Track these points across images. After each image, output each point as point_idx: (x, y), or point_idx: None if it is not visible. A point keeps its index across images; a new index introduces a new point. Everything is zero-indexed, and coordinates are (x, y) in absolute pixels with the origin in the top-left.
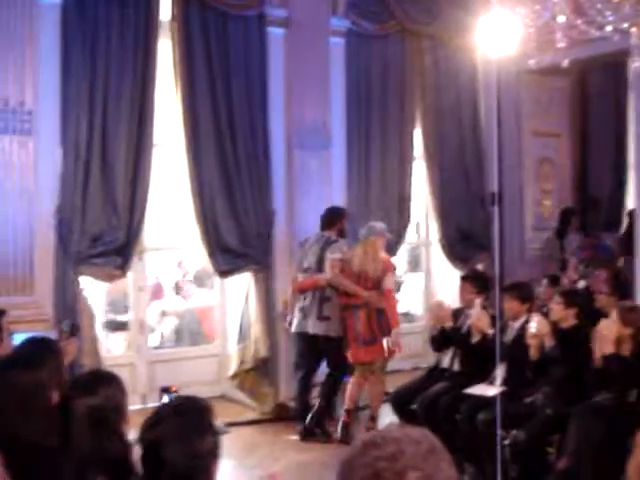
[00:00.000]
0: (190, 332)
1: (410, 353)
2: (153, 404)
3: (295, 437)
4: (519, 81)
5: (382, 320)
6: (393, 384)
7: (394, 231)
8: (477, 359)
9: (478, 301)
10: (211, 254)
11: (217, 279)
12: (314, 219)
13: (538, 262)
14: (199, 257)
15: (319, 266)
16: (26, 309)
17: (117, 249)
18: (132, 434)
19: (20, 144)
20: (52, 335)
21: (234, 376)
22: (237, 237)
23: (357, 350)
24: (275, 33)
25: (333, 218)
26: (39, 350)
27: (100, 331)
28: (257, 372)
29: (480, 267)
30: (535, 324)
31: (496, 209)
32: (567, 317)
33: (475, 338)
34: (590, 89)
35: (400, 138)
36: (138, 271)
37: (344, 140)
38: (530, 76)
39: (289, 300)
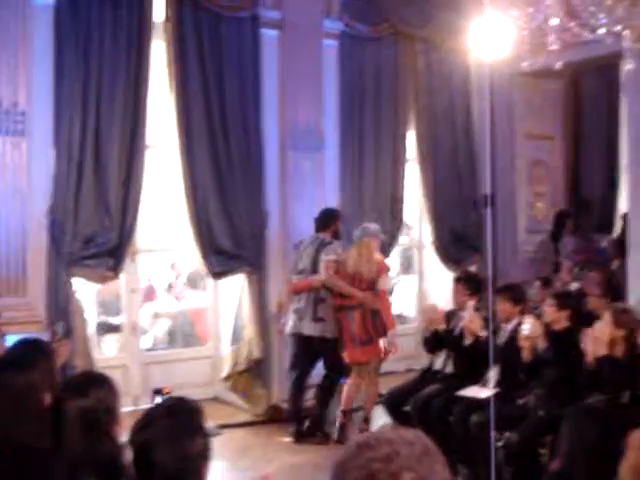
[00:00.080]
0: (183, 334)
1: (403, 355)
2: (146, 406)
3: (288, 439)
4: (512, 83)
5: (377, 321)
6: (386, 386)
7: (387, 233)
8: (470, 361)
9: (471, 303)
10: (204, 255)
11: (210, 281)
12: (307, 220)
13: (531, 264)
14: (192, 259)
15: (314, 268)
16: (18, 310)
17: (110, 250)
18: (124, 436)
19: (13, 145)
20: (45, 337)
21: (227, 378)
22: (230, 238)
23: (353, 351)
24: (269, 35)
25: (327, 220)
26: (31, 352)
27: (93, 333)
28: (250, 374)
29: (473, 269)
30: (528, 326)
31: (489, 211)
32: (560, 319)
33: (468, 340)
34: (583, 92)
35: (393, 140)
36: (131, 273)
37: (337, 142)
38: (523, 78)
39: (284, 302)
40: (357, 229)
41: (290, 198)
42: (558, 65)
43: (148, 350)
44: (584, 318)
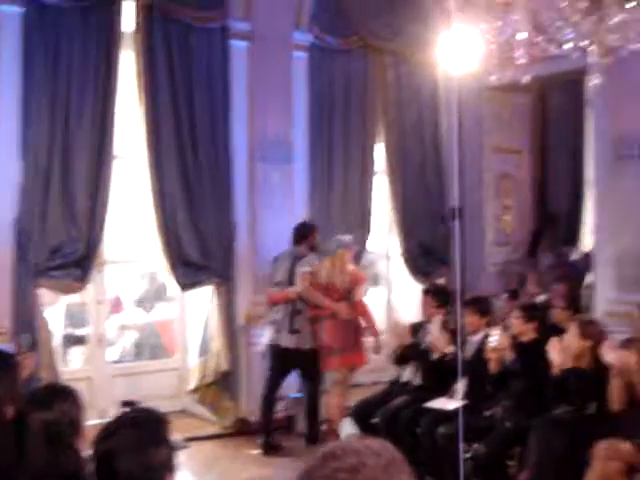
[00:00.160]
0: (150, 346)
1: (371, 367)
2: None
3: (256, 451)
4: (480, 97)
5: (351, 330)
6: (354, 398)
7: (356, 244)
8: (438, 374)
9: (437, 319)
10: (172, 267)
11: (177, 292)
12: (276, 232)
13: (498, 277)
14: (160, 270)
15: (290, 280)
16: None
17: (76, 261)
18: (88, 449)
19: None
20: (9, 348)
21: (195, 390)
22: (198, 249)
23: (330, 359)
24: (238, 46)
25: (304, 233)
26: None
27: (58, 345)
28: (218, 386)
29: (441, 281)
30: (495, 338)
31: (457, 224)
32: (527, 331)
33: (435, 355)
34: (550, 106)
35: (362, 152)
36: (97, 284)
37: (307, 153)
38: (491, 92)
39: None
40: (330, 241)
41: (259, 209)
42: (526, 79)
43: (115, 362)
44: (549, 330)
